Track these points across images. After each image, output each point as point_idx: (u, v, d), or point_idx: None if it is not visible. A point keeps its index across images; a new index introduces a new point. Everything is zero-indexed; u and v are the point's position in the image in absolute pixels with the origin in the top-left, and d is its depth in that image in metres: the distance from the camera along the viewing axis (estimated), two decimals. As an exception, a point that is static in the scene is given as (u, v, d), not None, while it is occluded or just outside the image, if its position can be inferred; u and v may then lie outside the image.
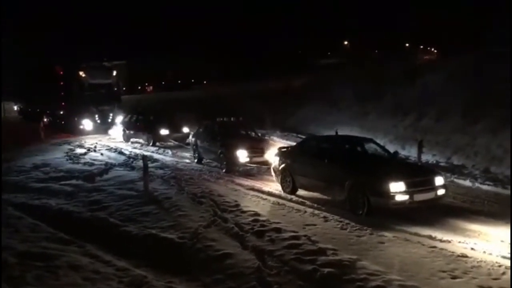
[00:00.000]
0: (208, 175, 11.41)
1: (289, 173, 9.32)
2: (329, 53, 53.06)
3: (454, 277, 4.97)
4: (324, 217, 7.44)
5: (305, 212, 7.83)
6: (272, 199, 8.83)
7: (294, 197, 9.00)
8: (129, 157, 14.38)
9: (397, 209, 7.30)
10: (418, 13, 42.00)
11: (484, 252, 5.79)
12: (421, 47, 49.09)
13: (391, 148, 15.34)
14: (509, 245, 5.89)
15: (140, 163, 11.20)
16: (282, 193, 9.35)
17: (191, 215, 7.39)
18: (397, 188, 7.18)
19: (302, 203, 8.48)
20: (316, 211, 7.86)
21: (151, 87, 67.41)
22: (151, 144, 17.51)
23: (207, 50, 55.78)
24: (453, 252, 5.71)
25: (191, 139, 14.74)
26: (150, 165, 11.22)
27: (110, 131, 22.34)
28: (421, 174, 7.84)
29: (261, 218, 7.11)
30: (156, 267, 5.58)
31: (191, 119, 18.96)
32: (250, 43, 55.84)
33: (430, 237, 6.38)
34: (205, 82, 58.02)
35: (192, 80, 61.23)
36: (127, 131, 19.57)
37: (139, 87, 62.91)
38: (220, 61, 53.54)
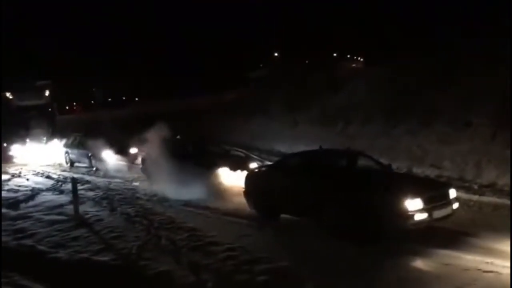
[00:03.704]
0: (142, 194, 11.21)
1: (268, 198, 8.00)
2: (261, 65, 54.00)
3: None
4: (259, 226, 7.57)
5: (241, 223, 7.93)
6: (206, 212, 8.85)
7: (228, 209, 9.01)
8: (57, 180, 13.82)
9: (415, 230, 6.26)
10: (344, 24, 44.07)
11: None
12: (348, 56, 51.18)
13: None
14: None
15: (70, 186, 10.79)
16: (219, 206, 9.24)
17: (125, 236, 7.24)
18: (415, 206, 6.13)
19: (236, 215, 8.56)
20: (252, 222, 7.98)
21: (79, 107, 64.93)
22: (94, 168, 16.31)
23: (138, 67, 54.84)
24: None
25: (145, 160, 13.51)
26: (80, 187, 10.88)
27: (44, 156, 20.79)
28: (436, 188, 6.89)
29: (197, 233, 7.12)
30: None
31: (136, 138, 18.12)
32: (183, 60, 55.58)
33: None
34: (136, 99, 56.89)
35: (123, 98, 59.84)
36: (70, 155, 18.48)
37: (67, 107, 60.40)
38: (151, 78, 52.84)
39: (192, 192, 10.16)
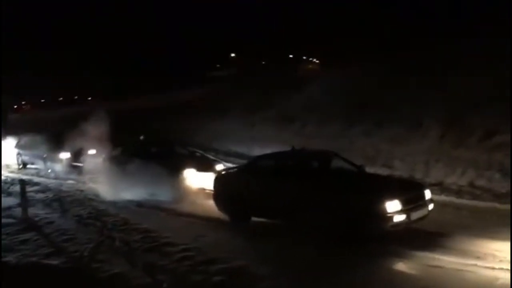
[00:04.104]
0: (96, 196, 10.92)
1: (239, 201, 7.69)
2: (218, 66, 53.87)
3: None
4: (215, 227, 7.54)
5: (198, 224, 7.88)
6: (162, 214, 8.75)
7: (187, 210, 8.93)
8: (5, 182, 13.22)
9: (394, 232, 6.21)
10: (300, 26, 44.70)
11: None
12: (304, 57, 51.88)
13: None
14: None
15: (18, 188, 10.36)
16: (176, 207, 9.10)
17: (76, 239, 7.04)
18: (394, 208, 6.08)
19: (193, 215, 8.49)
20: (208, 222, 7.94)
21: (28, 106, 62.35)
22: (49, 170, 15.39)
23: (91, 65, 53.30)
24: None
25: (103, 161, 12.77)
26: (29, 189, 10.48)
27: None
28: (412, 189, 6.86)
29: (152, 234, 7.02)
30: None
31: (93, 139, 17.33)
32: (139, 58, 54.49)
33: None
34: (89, 98, 55.30)
35: (76, 97, 58.01)
36: (22, 156, 17.46)
37: (15, 106, 57.88)
38: (106, 77, 51.47)
39: (154, 193, 10.01)
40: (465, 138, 11.47)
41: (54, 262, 6.02)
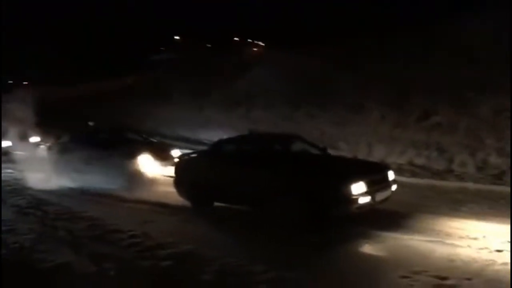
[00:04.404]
0: (35, 184, 10.46)
1: (201, 186, 7.53)
2: (162, 48, 52.63)
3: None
4: (162, 212, 7.48)
5: (145, 210, 7.77)
6: (108, 201, 8.55)
7: (131, 197, 8.73)
8: None
9: (359, 214, 6.20)
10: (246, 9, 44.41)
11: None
12: (249, 40, 51.68)
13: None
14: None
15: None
16: (123, 194, 8.85)
17: (16, 229, 6.72)
18: (359, 190, 6.04)
19: (141, 202, 8.37)
20: (155, 208, 7.86)
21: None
22: None
23: (27, 47, 50.32)
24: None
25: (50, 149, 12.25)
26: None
27: None
28: (376, 170, 6.83)
29: (98, 222, 6.85)
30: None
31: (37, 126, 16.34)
32: (76, 42, 51.98)
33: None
34: (25, 83, 52.46)
35: (10, 82, 54.83)
36: None
37: None
38: (43, 61, 48.79)
39: (104, 181, 9.57)
40: (404, 119, 12.01)
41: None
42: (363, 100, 12.99)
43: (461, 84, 12.01)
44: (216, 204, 7.59)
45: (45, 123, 15.23)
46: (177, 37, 51.77)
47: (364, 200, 6.07)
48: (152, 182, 9.46)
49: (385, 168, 7.16)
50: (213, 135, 17.10)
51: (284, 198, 6.33)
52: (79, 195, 9.26)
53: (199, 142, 15.67)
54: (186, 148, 12.22)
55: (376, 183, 6.36)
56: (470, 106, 11.55)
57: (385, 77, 13.10)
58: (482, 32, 13.13)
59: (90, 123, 12.59)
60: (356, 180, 6.08)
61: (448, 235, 5.69)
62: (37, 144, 14.64)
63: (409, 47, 14.22)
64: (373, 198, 6.17)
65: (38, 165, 11.78)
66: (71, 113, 18.67)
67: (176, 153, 10.53)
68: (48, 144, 12.81)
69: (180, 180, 8.05)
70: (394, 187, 6.76)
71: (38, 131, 15.14)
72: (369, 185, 6.16)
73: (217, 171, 7.45)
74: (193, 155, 8.81)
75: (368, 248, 5.60)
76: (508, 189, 8.08)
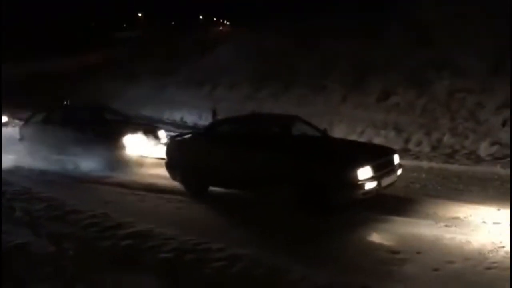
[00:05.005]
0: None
1: (195, 169, 7.12)
2: (124, 26, 51.33)
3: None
4: (122, 192, 7.47)
5: (102, 189, 7.75)
6: (67, 180, 8.46)
7: (88, 176, 8.69)
8: None
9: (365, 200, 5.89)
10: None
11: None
12: (214, 19, 51.08)
13: (190, 119, 16.17)
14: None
15: None
16: (76, 174, 8.78)
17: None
18: (365, 174, 5.75)
19: (98, 181, 8.31)
20: (114, 188, 7.83)
21: None
22: None
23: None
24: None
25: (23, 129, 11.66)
26: None
27: None
28: (382, 154, 6.46)
29: (56, 203, 6.78)
30: None
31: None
32: (33, 16, 49.86)
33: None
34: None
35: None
36: None
37: None
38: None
39: (81, 163, 9.39)
40: (364, 99, 12.28)
41: None
42: (325, 80, 13.19)
43: (418, 64, 12.35)
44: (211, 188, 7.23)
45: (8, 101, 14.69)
46: (139, 14, 50.57)
47: (370, 185, 5.78)
48: (141, 164, 9.19)
49: (391, 151, 6.77)
50: (177, 115, 17.11)
51: (285, 183, 6.02)
52: (38, 177, 9.06)
53: (162, 122, 15.60)
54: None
55: (382, 167, 6.07)
56: (427, 87, 11.91)
57: (345, 57, 13.30)
58: (438, 10, 13.36)
59: (66, 102, 12.04)
60: (362, 164, 5.78)
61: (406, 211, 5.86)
62: (5, 124, 14.08)
63: (367, 25, 14.38)
64: (379, 184, 5.88)
65: (8, 146, 11.25)
66: (33, 91, 18.01)
67: (162, 134, 10.21)
68: (19, 124, 12.24)
69: (172, 162, 7.65)
70: (399, 172, 6.50)
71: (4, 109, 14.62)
72: (375, 169, 5.85)
73: (212, 153, 7.02)
74: (186, 137, 8.29)
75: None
76: (461, 167, 8.55)
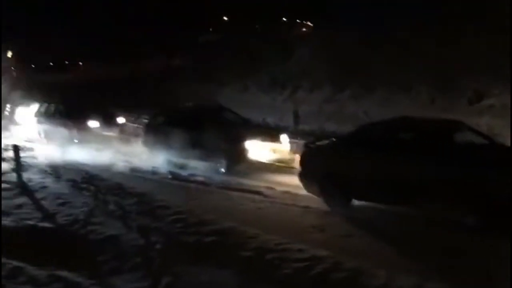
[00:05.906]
0: (88, 161, 11.03)
1: (338, 180, 6.50)
2: (210, 30, 52.80)
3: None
4: (209, 191, 7.72)
5: (190, 187, 8.07)
6: (156, 177, 8.90)
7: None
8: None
9: None
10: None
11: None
12: (298, 21, 50.94)
13: (271, 121, 16.33)
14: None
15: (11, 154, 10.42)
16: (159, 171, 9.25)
17: (71, 202, 7.16)
18: None
19: (183, 179, 8.65)
20: (200, 186, 8.12)
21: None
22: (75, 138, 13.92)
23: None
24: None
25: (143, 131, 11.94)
26: (23, 154, 10.51)
27: None
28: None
29: (146, 198, 7.18)
30: (35, 258, 5.38)
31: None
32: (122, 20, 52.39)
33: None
34: (80, 63, 54.31)
35: (66, 62, 56.91)
36: (45, 127, 15.79)
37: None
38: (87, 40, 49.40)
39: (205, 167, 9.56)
40: (454, 101, 11.62)
41: (50, 225, 6.18)
42: (410, 81, 12.68)
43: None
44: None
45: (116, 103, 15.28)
46: (225, 18, 51.81)
47: None
48: (263, 168, 9.05)
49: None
50: (258, 116, 17.33)
51: (449, 198, 5.32)
52: (130, 173, 9.64)
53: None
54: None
55: None
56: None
57: (432, 56, 12.68)
58: None
59: (188, 104, 12.17)
60: None
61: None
62: (123, 125, 14.43)
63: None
64: None
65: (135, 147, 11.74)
66: (131, 93, 18.97)
67: (285, 138, 9.86)
68: (141, 125, 12.45)
69: (308, 172, 7.05)
70: None
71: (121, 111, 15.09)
72: None
73: (359, 162, 6.37)
74: (324, 143, 7.52)
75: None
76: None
